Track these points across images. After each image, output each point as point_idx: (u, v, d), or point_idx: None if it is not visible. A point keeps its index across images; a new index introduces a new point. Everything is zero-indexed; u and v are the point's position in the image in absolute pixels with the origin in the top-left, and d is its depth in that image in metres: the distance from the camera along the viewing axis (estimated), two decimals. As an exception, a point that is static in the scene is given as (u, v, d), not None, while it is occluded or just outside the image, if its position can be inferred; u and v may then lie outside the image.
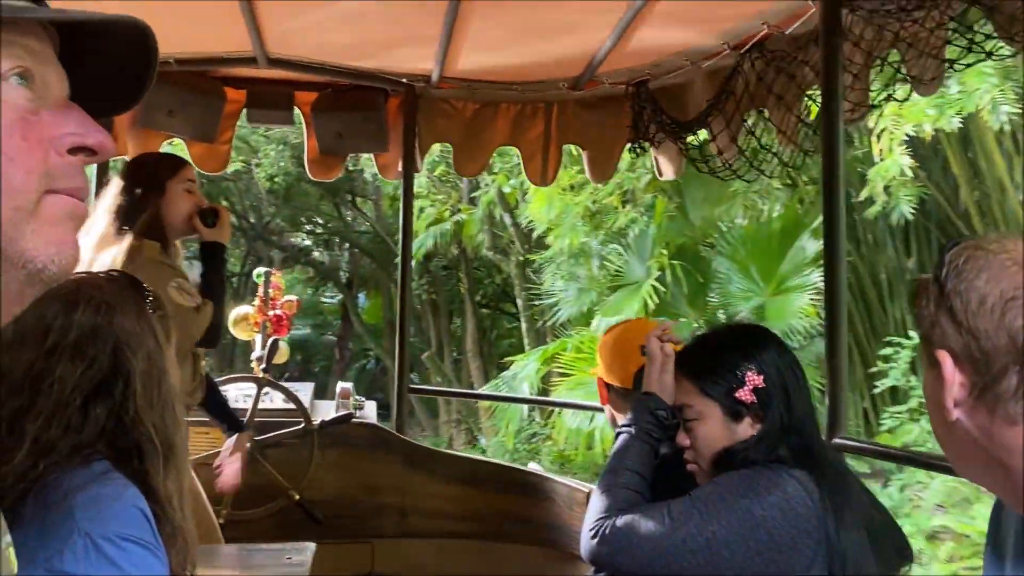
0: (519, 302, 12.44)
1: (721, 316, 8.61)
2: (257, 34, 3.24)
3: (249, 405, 3.35)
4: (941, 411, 1.02)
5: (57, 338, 1.21)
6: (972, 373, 0.98)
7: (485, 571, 3.26)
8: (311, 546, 2.49)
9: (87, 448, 1.20)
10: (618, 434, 1.87)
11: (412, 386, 3.82)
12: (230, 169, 9.90)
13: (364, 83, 3.68)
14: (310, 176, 3.94)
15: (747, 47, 2.97)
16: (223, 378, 3.58)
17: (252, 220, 18.05)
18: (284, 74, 3.61)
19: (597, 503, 1.76)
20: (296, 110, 3.77)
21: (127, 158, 3.23)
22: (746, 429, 1.66)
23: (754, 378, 1.64)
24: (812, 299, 7.82)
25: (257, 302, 3.92)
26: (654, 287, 8.65)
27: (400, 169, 3.79)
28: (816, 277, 7.78)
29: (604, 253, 9.73)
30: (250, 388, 3.42)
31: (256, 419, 3.31)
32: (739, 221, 9.26)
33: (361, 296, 20.42)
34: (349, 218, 18.21)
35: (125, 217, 2.52)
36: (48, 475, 1.13)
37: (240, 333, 3.83)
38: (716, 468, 1.67)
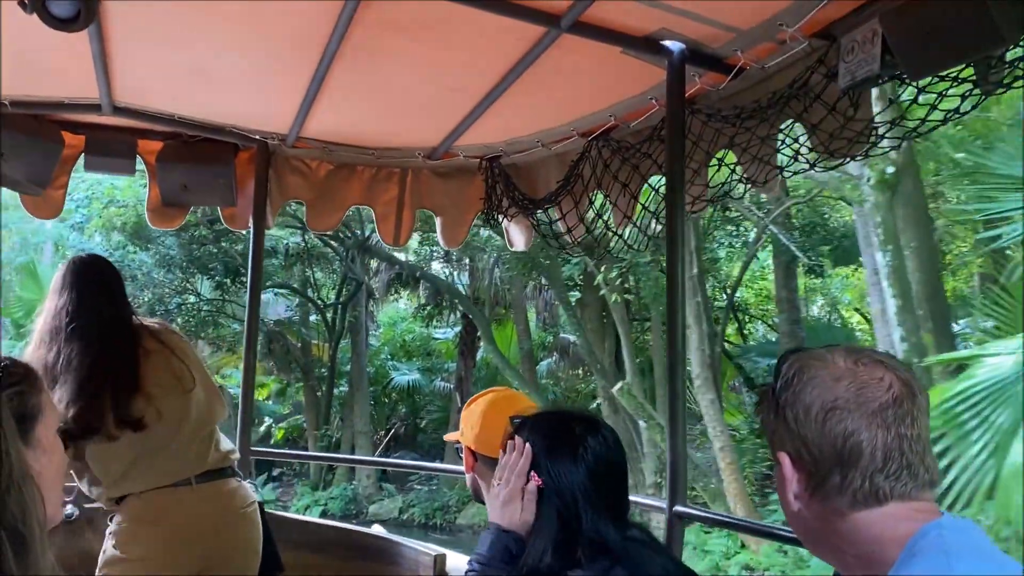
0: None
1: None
2: (106, 81, 3.12)
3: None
4: (787, 504, 1.19)
5: None
6: (805, 472, 1.16)
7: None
8: None
9: None
10: (469, 572, 1.83)
11: (253, 448, 3.72)
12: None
13: (214, 136, 3.62)
14: (150, 225, 3.79)
15: (595, 135, 3.20)
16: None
17: (348, 233, 16.72)
18: (128, 122, 3.50)
19: None
20: (139, 157, 3.65)
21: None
22: (529, 513, 1.71)
23: (535, 478, 1.70)
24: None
25: None
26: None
27: (249, 222, 3.73)
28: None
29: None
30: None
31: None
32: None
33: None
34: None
35: None
36: None
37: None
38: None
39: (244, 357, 3.75)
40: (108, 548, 2.56)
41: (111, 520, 2.60)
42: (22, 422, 1.32)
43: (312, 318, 22.11)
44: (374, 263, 20.20)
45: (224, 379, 22.96)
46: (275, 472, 20.43)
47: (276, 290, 21.16)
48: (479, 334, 18.37)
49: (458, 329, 20.40)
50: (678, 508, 2.40)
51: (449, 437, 2.37)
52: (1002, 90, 2.04)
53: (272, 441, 21.11)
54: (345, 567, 3.34)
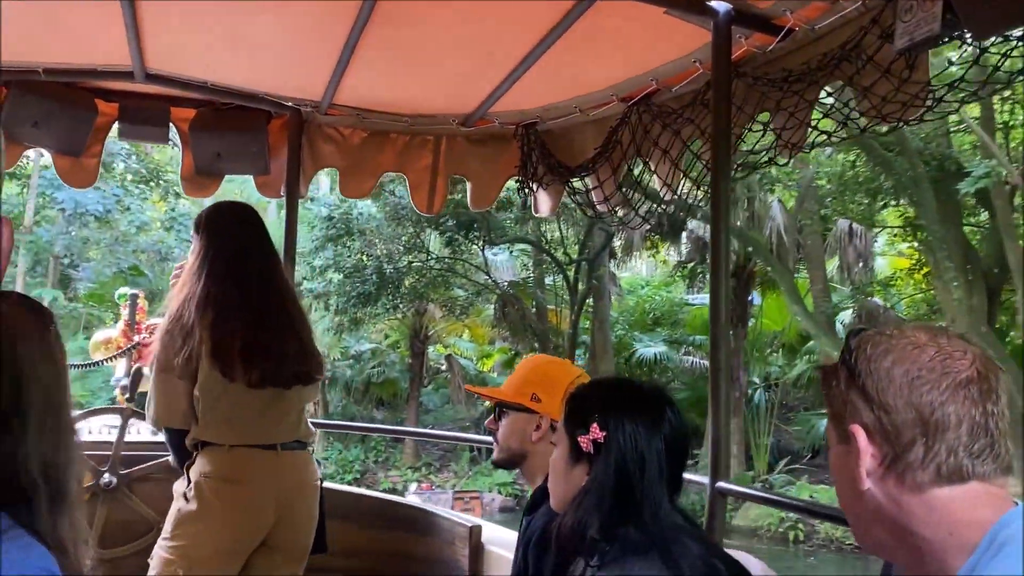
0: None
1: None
2: (138, 47, 3.09)
3: (114, 437, 3.17)
4: (851, 482, 1.13)
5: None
6: (883, 444, 1.10)
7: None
8: None
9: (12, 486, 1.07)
10: None
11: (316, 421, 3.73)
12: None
13: (247, 104, 3.58)
14: (185, 194, 3.78)
15: (635, 100, 3.11)
16: (85, 411, 3.38)
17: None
18: (160, 89, 3.47)
19: None
20: (172, 127, 3.62)
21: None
22: (580, 475, 1.73)
23: (597, 431, 1.70)
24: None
25: (121, 325, 3.71)
26: None
27: (282, 190, 3.71)
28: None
29: None
30: (115, 420, 3.24)
31: (123, 452, 3.14)
32: None
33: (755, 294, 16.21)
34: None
35: None
36: None
37: (100, 356, 3.61)
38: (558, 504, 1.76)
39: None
40: (182, 506, 2.53)
41: (187, 474, 2.58)
42: None
43: (547, 281, 20.44)
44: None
45: (447, 348, 22.50)
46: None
47: (509, 246, 19.49)
48: (751, 298, 16.14)
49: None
50: (720, 484, 2.36)
51: (505, 396, 2.30)
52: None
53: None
54: (381, 536, 3.35)
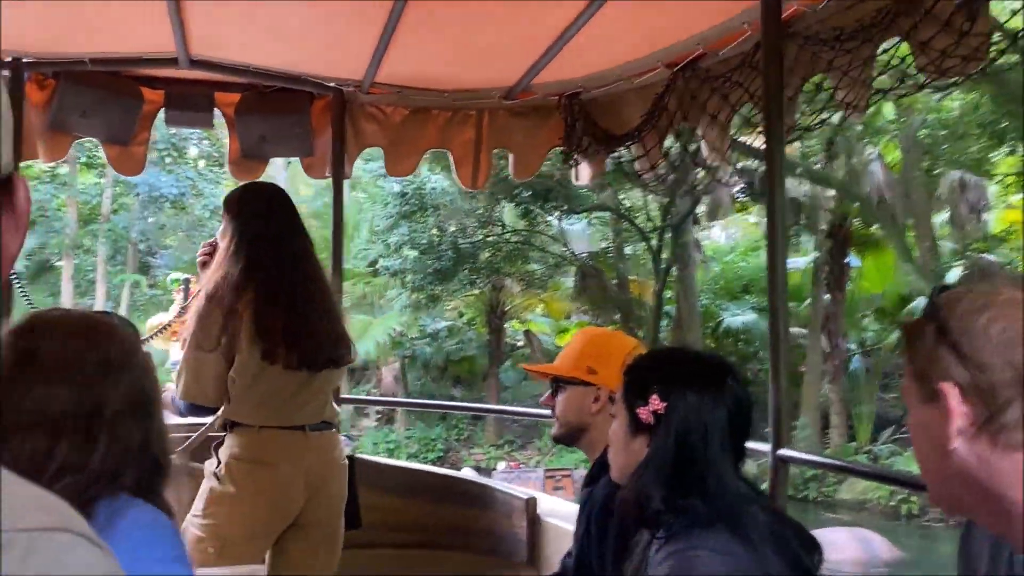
0: None
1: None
2: (181, 34, 3.11)
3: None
4: (936, 441, 1.10)
5: (96, 367, 1.27)
6: (977, 404, 1.06)
7: (427, 581, 3.26)
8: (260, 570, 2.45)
9: (118, 472, 1.25)
10: None
11: (343, 396, 3.76)
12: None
13: (289, 86, 3.59)
14: (234, 178, 3.81)
15: (681, 66, 3.06)
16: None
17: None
18: (204, 75, 3.49)
19: None
20: (217, 112, 3.64)
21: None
22: (641, 447, 1.71)
23: (657, 402, 1.68)
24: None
25: (175, 310, 3.77)
26: None
27: (328, 171, 3.72)
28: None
29: None
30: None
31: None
32: None
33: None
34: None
35: None
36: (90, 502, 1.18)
37: (159, 344, 3.67)
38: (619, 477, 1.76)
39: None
40: (214, 486, 2.57)
41: (217, 454, 2.62)
42: None
43: (628, 250, 19.56)
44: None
45: (524, 324, 21.95)
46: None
47: (587, 215, 18.60)
48: (848, 260, 14.75)
49: (813, 257, 16.41)
50: (782, 452, 2.34)
51: (561, 371, 2.29)
52: None
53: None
54: (437, 511, 3.38)
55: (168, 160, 21.90)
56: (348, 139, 3.67)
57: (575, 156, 3.50)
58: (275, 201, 2.77)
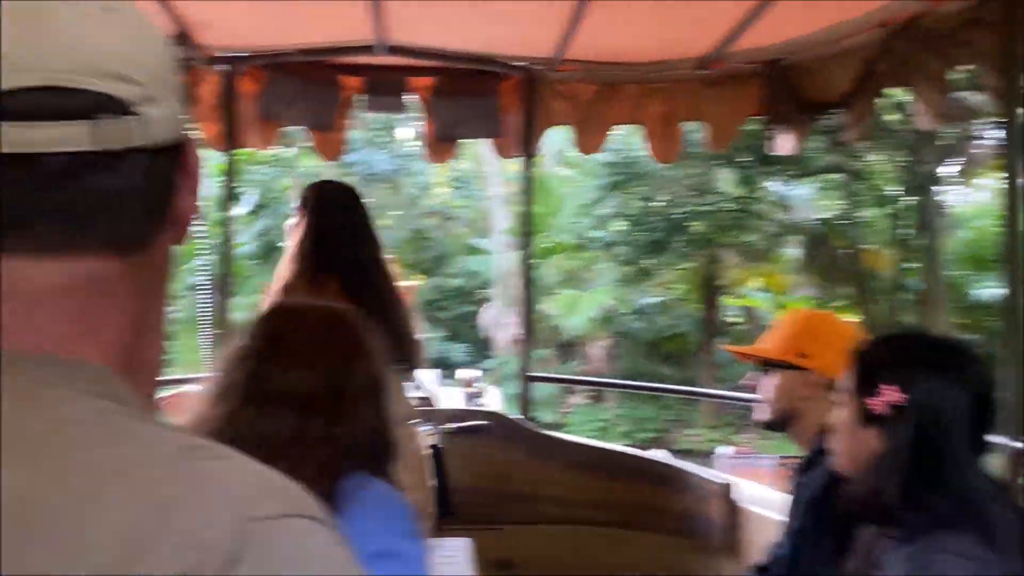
0: None
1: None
2: (379, 20, 3.19)
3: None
4: None
5: (338, 354, 1.38)
6: None
7: (619, 560, 3.25)
8: (465, 542, 2.51)
9: (361, 449, 1.35)
10: None
11: (531, 374, 3.80)
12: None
13: (479, 67, 3.63)
14: (427, 161, 3.91)
15: (898, 24, 2.82)
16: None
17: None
18: (397, 60, 3.58)
19: None
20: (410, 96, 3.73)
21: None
22: (871, 438, 1.59)
23: (894, 392, 1.55)
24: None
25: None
26: None
27: (517, 150, 3.74)
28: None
29: None
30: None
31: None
32: None
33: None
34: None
35: None
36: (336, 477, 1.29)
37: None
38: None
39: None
40: None
41: None
42: None
43: (861, 216, 17.59)
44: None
45: (740, 299, 19.96)
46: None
47: (813, 179, 16.95)
48: None
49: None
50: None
51: (771, 353, 2.20)
52: None
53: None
54: (632, 491, 3.35)
55: (379, 141, 22.42)
56: (538, 118, 3.66)
57: (776, 125, 3.32)
58: (345, 203, 2.76)
